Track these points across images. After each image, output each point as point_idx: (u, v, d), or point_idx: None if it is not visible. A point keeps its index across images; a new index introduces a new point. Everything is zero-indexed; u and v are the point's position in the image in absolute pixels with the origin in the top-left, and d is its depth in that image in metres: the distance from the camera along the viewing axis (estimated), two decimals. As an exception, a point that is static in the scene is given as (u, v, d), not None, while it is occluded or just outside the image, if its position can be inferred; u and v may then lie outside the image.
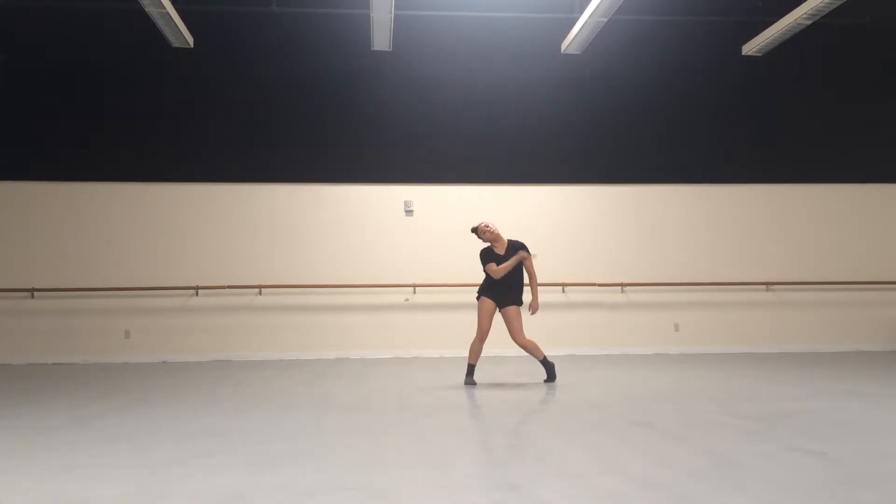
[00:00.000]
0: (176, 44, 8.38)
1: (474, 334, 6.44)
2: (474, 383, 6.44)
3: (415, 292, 9.21)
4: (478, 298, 6.48)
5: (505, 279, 6.32)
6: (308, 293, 9.15)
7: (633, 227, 9.56)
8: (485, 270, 6.41)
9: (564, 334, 9.31)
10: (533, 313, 6.41)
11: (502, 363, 8.16)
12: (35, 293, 8.86)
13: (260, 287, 9.05)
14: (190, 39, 8.40)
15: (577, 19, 8.28)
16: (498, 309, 6.40)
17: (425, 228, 9.31)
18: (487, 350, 9.03)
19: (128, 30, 8.81)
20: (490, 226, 6.45)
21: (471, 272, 9.07)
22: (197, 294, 9.05)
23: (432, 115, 9.40)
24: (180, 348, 8.97)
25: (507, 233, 9.27)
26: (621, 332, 9.41)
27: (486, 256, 6.44)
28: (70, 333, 8.87)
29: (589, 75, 9.49)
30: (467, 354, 6.50)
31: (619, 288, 9.45)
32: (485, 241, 6.48)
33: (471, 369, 6.47)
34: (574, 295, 9.38)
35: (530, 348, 6.37)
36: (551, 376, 6.49)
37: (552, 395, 5.88)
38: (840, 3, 7.41)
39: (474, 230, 6.50)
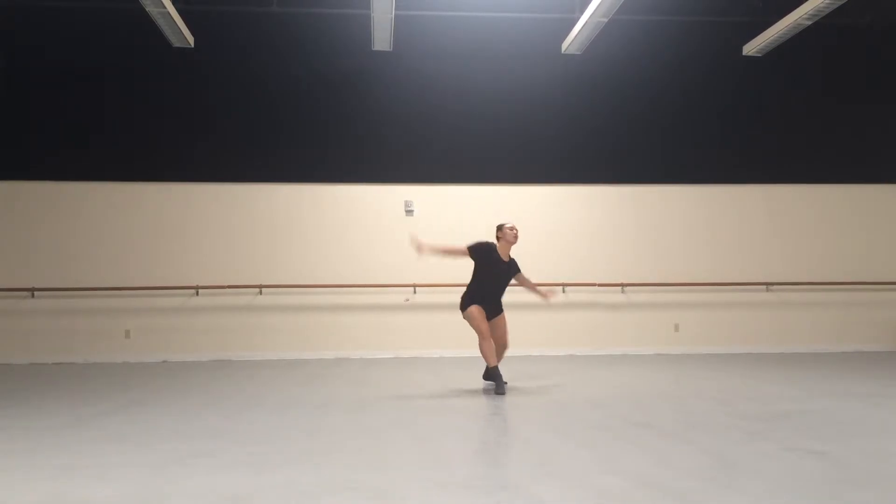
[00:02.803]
0: (176, 43, 8.38)
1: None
2: (504, 384, 6.04)
3: (415, 292, 9.20)
4: (463, 309, 6.12)
5: (494, 292, 6.16)
6: (308, 293, 9.15)
7: (634, 227, 9.56)
8: (450, 251, 6.22)
9: (564, 334, 9.31)
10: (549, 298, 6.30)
11: (503, 363, 8.15)
12: (35, 293, 8.86)
13: (260, 287, 9.05)
14: (190, 39, 8.40)
15: (577, 19, 8.29)
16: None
17: (426, 228, 9.29)
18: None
19: (128, 29, 8.81)
20: (516, 230, 6.20)
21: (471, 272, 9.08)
22: (197, 294, 9.05)
23: (433, 115, 9.40)
24: (180, 348, 8.96)
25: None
26: (621, 332, 9.40)
27: (486, 251, 6.11)
28: (70, 333, 8.87)
29: (589, 75, 9.50)
30: (484, 359, 6.15)
31: (620, 288, 9.44)
32: (505, 239, 6.14)
33: (496, 372, 6.08)
34: (574, 295, 9.38)
35: (501, 353, 6.29)
36: (496, 381, 6.12)
37: (552, 395, 5.88)
38: (841, 3, 7.42)
39: (500, 227, 6.19)
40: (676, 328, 9.46)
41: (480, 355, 6.22)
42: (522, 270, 6.32)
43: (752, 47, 8.86)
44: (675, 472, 3.33)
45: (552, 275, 9.27)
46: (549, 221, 9.42)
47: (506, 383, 6.20)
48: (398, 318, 9.19)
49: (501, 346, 6.30)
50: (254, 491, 3.09)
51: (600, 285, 9.37)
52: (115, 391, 6.27)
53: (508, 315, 6.29)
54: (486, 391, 6.10)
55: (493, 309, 6.17)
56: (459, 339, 8.76)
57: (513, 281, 6.30)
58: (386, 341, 9.17)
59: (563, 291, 9.35)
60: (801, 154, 9.80)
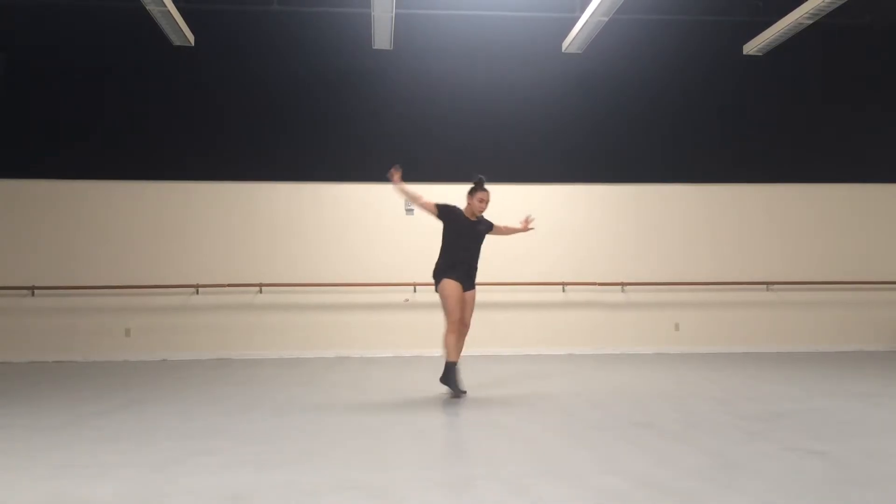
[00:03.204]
0: (177, 42, 8.38)
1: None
2: (463, 391, 5.68)
3: (415, 291, 9.20)
4: (437, 282, 5.69)
5: (468, 259, 5.76)
6: (308, 292, 9.15)
7: (634, 226, 9.56)
8: (418, 199, 5.79)
9: (564, 334, 9.31)
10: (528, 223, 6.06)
11: (503, 362, 8.17)
12: (35, 291, 8.86)
13: (260, 286, 9.05)
14: (191, 38, 8.40)
15: (577, 18, 8.29)
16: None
17: (426, 227, 9.28)
18: (486, 348, 9.07)
19: (128, 28, 8.81)
20: (486, 204, 5.79)
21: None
22: (197, 292, 9.05)
23: (433, 114, 9.40)
24: (180, 347, 8.97)
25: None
26: (621, 331, 9.40)
27: (453, 211, 5.78)
28: (70, 331, 8.88)
29: (590, 74, 9.49)
30: (445, 352, 5.71)
31: (620, 287, 9.44)
32: (470, 208, 5.81)
33: (451, 368, 5.64)
34: (574, 294, 9.38)
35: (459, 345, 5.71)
36: (452, 383, 5.69)
37: (552, 395, 5.88)
38: (841, 2, 7.42)
39: (473, 192, 5.76)
40: (677, 327, 9.46)
41: (447, 348, 5.64)
42: (502, 227, 6.09)
43: (753, 46, 8.86)
44: (675, 472, 3.33)
45: (552, 274, 9.28)
46: (550, 220, 9.41)
47: (464, 392, 5.72)
48: (398, 318, 9.19)
49: (464, 325, 5.79)
50: (254, 490, 3.09)
51: (600, 284, 9.37)
52: (115, 390, 6.27)
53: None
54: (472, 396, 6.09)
55: (469, 282, 5.77)
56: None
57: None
58: (386, 341, 9.17)
59: (563, 290, 9.36)
60: (802, 153, 9.79)
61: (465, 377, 6.53)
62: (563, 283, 9.29)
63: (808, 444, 3.88)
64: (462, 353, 5.93)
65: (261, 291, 9.09)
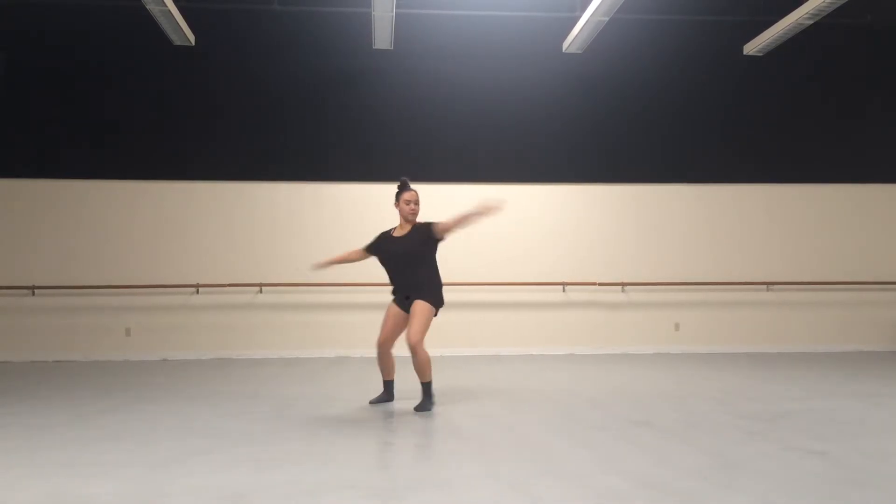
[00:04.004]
0: (177, 41, 8.38)
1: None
2: (389, 399, 5.49)
3: (415, 291, 9.20)
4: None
5: (405, 280, 5.29)
6: (309, 291, 9.15)
7: (634, 226, 9.56)
8: (345, 259, 5.63)
9: (564, 334, 9.31)
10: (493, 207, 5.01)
11: (504, 362, 8.17)
12: (36, 290, 8.86)
13: (261, 285, 9.05)
14: (191, 37, 8.40)
15: (578, 18, 8.29)
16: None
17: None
18: (486, 348, 9.07)
19: (129, 27, 8.80)
20: (414, 205, 5.25)
21: (472, 270, 9.10)
22: (198, 292, 9.05)
23: (433, 114, 9.40)
24: (181, 346, 8.97)
25: (508, 231, 9.34)
26: (621, 331, 9.40)
27: (378, 243, 5.43)
28: (71, 331, 8.88)
29: (590, 74, 9.49)
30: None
31: (620, 287, 9.44)
32: (401, 215, 5.32)
33: (388, 386, 5.52)
34: (574, 294, 9.38)
35: (423, 360, 5.18)
36: (426, 405, 5.16)
37: (552, 395, 5.88)
38: (841, 2, 7.42)
39: (399, 195, 5.27)
40: (677, 327, 9.46)
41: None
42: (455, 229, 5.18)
43: (753, 47, 8.86)
44: (676, 472, 3.33)
45: (552, 274, 9.28)
46: (550, 220, 9.42)
47: (390, 399, 5.41)
48: (398, 317, 9.17)
49: (406, 338, 5.19)
50: (254, 489, 3.09)
51: (600, 284, 9.37)
52: (115, 389, 6.27)
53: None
54: (473, 393, 6.09)
55: (409, 302, 5.34)
56: (460, 337, 8.78)
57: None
58: (386, 340, 9.15)
59: (564, 290, 9.36)
60: (802, 154, 9.79)
61: (466, 377, 6.54)
62: (563, 283, 9.29)
63: (808, 444, 3.88)
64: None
65: (261, 291, 9.09)
